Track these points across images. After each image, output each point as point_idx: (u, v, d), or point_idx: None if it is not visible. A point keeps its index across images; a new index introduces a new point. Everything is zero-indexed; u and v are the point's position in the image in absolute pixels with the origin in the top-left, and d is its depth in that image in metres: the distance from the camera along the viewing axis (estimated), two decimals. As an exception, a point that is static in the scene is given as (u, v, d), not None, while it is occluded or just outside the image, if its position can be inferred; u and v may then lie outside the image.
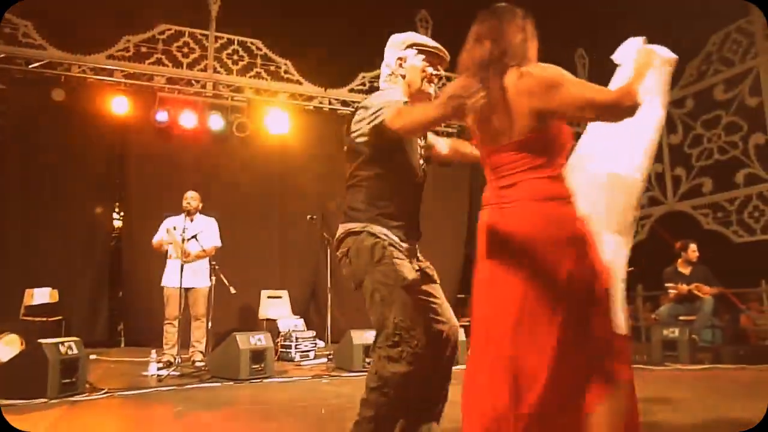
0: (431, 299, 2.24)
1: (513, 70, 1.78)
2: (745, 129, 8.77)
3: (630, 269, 6.52)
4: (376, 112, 2.13)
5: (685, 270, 6.67)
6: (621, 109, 1.66)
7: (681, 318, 6.47)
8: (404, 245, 2.22)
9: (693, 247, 6.74)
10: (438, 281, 2.36)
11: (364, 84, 9.18)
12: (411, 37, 2.39)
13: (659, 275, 6.94)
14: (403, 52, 2.36)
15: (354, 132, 2.24)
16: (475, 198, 9.33)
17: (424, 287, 2.23)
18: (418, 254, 2.36)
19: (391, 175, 2.25)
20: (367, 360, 5.21)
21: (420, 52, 2.35)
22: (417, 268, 2.27)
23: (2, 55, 7.46)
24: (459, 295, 8.70)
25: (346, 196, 2.29)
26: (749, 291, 8.00)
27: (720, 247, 8.74)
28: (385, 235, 2.17)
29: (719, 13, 8.97)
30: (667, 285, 6.60)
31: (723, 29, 9.11)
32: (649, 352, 6.05)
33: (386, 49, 2.42)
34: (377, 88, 2.44)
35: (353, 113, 2.31)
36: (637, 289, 8.84)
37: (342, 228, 2.26)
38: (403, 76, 2.34)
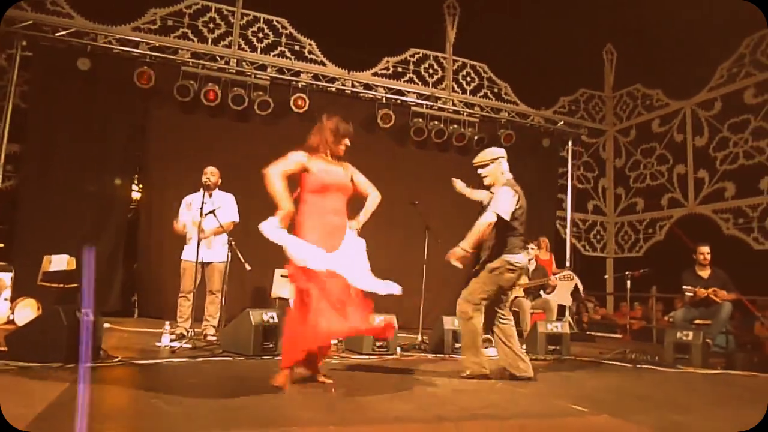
0: None
1: None
2: (774, 135, 8.60)
3: (644, 270, 6.45)
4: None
5: (704, 273, 6.51)
6: None
7: (696, 322, 6.37)
8: None
9: (701, 249, 6.57)
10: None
11: (387, 68, 9.06)
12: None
13: (674, 277, 6.81)
14: None
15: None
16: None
17: None
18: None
19: None
20: (378, 343, 5.24)
21: None
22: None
23: (30, 22, 7.51)
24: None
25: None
26: (765, 299, 7.87)
27: (739, 253, 8.61)
28: None
29: (755, 17, 8.75)
30: (684, 288, 6.44)
31: (759, 32, 8.88)
32: (661, 353, 5.99)
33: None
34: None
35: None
36: (652, 290, 8.75)
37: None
38: None
